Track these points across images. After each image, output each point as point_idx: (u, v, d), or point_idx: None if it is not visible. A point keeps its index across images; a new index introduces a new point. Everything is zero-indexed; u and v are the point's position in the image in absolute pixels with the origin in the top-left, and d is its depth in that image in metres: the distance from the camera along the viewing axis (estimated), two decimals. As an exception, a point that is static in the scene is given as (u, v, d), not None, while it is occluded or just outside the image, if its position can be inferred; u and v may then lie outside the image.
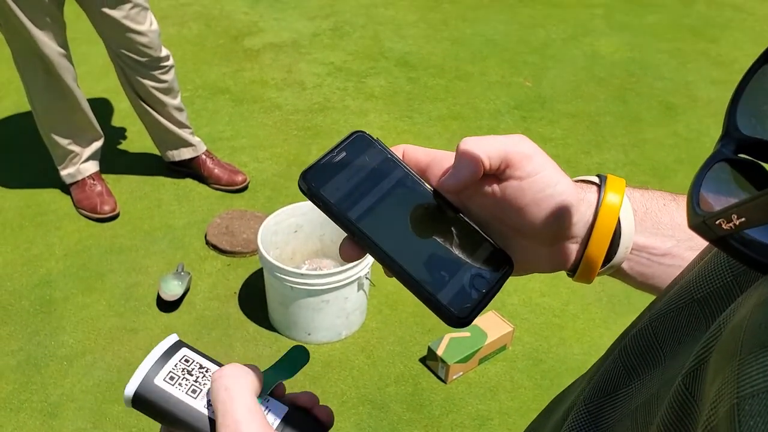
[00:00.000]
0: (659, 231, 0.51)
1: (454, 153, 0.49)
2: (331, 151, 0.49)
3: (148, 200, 2.81)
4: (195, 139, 2.85)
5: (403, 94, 3.53)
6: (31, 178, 2.90)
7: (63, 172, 2.75)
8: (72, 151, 2.70)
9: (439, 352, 2.07)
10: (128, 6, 2.41)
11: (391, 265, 0.47)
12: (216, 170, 2.85)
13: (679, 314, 0.40)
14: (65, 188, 2.81)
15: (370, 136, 0.51)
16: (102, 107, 3.35)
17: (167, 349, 0.50)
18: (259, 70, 3.74)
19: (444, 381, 2.09)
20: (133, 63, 2.55)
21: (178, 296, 2.31)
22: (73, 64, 2.54)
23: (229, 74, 3.70)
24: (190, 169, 2.90)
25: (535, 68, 3.73)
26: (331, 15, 4.38)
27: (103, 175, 2.84)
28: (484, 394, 2.08)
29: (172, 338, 0.51)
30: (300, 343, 0.54)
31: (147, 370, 0.48)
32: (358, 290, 2.13)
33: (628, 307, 2.35)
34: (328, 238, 2.38)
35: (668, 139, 3.21)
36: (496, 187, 0.48)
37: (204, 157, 2.87)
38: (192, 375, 0.49)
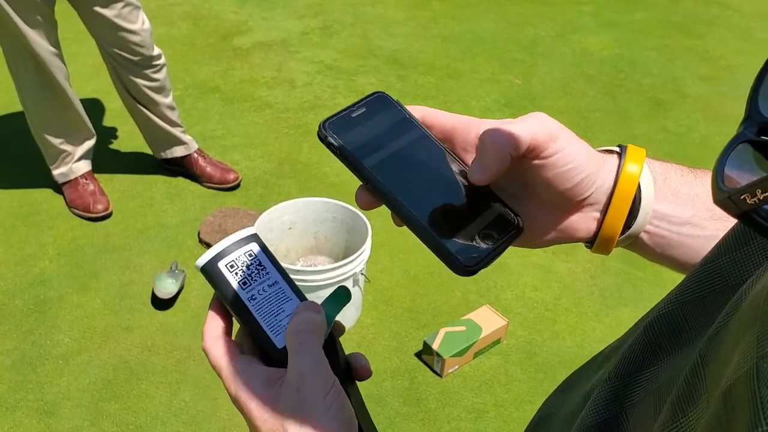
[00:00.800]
0: (678, 200, 0.51)
1: (476, 124, 0.50)
2: (351, 106, 0.51)
3: (140, 199, 2.81)
4: (187, 137, 2.85)
5: (394, 91, 3.54)
6: (23, 178, 2.89)
7: (55, 172, 2.75)
8: (64, 151, 2.70)
9: (435, 346, 2.08)
10: (120, 5, 2.41)
11: (402, 212, 0.48)
12: (208, 168, 2.85)
13: (715, 298, 0.41)
14: (57, 188, 2.80)
15: (390, 97, 0.53)
16: (93, 107, 3.34)
17: (241, 239, 0.56)
18: (249, 69, 3.75)
19: (440, 375, 2.11)
20: (126, 62, 2.55)
21: (173, 294, 2.31)
22: (65, 63, 2.54)
23: (219, 73, 3.70)
24: (182, 168, 2.90)
25: (524, 65, 3.75)
26: (320, 14, 4.39)
27: (96, 175, 2.84)
28: (480, 387, 2.10)
29: (250, 230, 0.57)
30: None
31: (217, 252, 0.55)
32: (354, 286, 2.14)
33: (619, 300, 2.37)
34: (323, 236, 2.39)
35: (657, 134, 3.25)
36: (519, 164, 0.48)
37: (196, 155, 2.87)
38: (249, 269, 0.55)
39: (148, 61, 2.58)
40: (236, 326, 0.55)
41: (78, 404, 2.02)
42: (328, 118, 0.50)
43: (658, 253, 0.53)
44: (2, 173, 2.92)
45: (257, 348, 0.53)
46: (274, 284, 0.55)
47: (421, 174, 0.50)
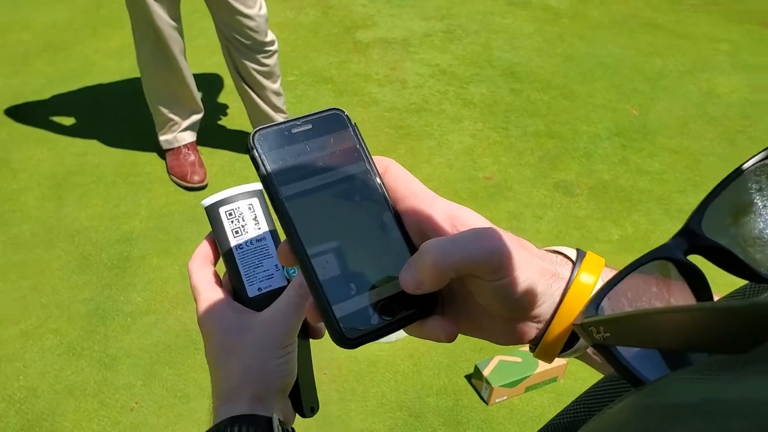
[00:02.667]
0: None
1: (427, 210, 0.45)
2: (296, 119, 0.45)
3: (236, 177, 2.91)
4: (288, 125, 2.92)
5: (503, 104, 3.48)
6: (132, 139, 3.06)
7: (161, 138, 2.89)
8: (171, 119, 2.83)
9: (486, 372, 2.03)
10: (240, -12, 2.50)
11: (300, 256, 0.42)
12: (304, 157, 2.91)
13: None
14: (162, 153, 2.95)
15: (347, 117, 0.47)
16: (210, 81, 3.49)
17: (247, 191, 0.60)
18: (365, 63, 3.79)
19: (486, 402, 2.06)
20: (239, 44, 2.63)
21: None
22: (183, 38, 2.66)
23: (335, 64, 3.76)
24: (279, 152, 2.97)
25: (644, 97, 3.58)
26: (447, 17, 4.37)
27: (199, 147, 2.96)
28: (526, 422, 2.03)
29: (256, 185, 0.59)
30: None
31: (222, 198, 0.59)
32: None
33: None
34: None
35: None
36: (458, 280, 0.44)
37: (294, 142, 2.93)
38: (244, 221, 0.59)
39: (261, 46, 2.66)
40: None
41: (136, 363, 2.12)
42: (262, 128, 0.44)
43: (605, 370, 0.48)
44: (114, 132, 3.10)
45: (233, 290, 0.60)
46: (261, 240, 0.60)
47: (342, 219, 0.44)
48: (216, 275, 0.61)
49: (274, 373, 0.56)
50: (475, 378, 2.09)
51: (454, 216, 0.45)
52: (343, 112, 0.47)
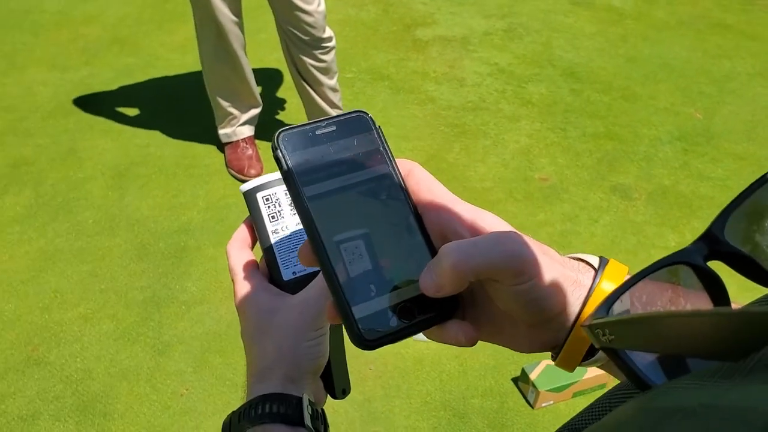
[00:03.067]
0: None
1: (449, 213, 0.45)
2: (320, 121, 0.46)
3: (291, 170, 2.94)
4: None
5: (562, 105, 3.43)
6: (193, 132, 3.13)
7: (220, 131, 2.95)
8: (231, 113, 2.88)
9: (533, 376, 2.01)
10: (299, -16, 2.53)
11: (320, 256, 0.43)
12: (358, 153, 2.92)
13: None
14: (220, 146, 3.01)
15: (372, 120, 0.47)
16: (270, 76, 3.54)
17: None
18: (423, 61, 3.78)
19: (532, 406, 2.04)
20: (297, 40, 2.66)
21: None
22: (243, 33, 2.70)
23: (393, 62, 3.77)
24: (334, 148, 3.00)
25: (710, 101, 3.48)
26: (508, 15, 4.32)
27: (257, 141, 3.01)
28: (572, 428, 2.00)
29: None
30: None
31: (260, 183, 0.62)
32: (464, 296, 2.12)
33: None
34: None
35: None
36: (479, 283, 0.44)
37: (349, 138, 2.95)
38: (281, 206, 0.61)
39: (318, 42, 2.69)
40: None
41: (187, 350, 2.17)
42: (286, 129, 0.45)
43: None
44: (176, 124, 3.18)
45: (268, 272, 0.62)
46: (298, 224, 0.62)
47: (363, 220, 0.44)
48: (253, 258, 0.63)
49: (305, 355, 0.58)
50: (521, 381, 2.07)
51: (476, 219, 0.45)
52: (367, 114, 0.47)
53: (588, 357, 0.44)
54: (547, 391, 1.99)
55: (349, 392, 0.67)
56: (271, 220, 0.61)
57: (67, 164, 2.94)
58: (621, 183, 2.91)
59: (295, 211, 0.46)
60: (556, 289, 0.42)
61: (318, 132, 0.45)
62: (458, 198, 0.46)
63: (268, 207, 0.62)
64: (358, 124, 0.46)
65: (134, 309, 2.30)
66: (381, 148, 0.46)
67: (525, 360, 2.12)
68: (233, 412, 0.58)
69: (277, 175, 0.60)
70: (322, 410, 0.60)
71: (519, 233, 0.43)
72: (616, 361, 0.33)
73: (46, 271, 2.44)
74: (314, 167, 0.44)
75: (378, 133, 0.47)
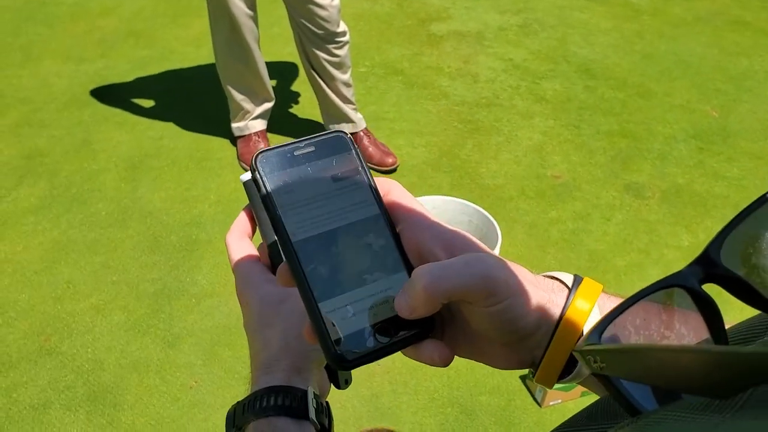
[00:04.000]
0: None
1: (423, 231, 0.45)
2: (299, 141, 0.46)
3: (303, 165, 2.95)
4: (357, 116, 2.94)
5: (576, 101, 3.41)
6: (206, 125, 3.14)
7: (233, 125, 2.96)
8: (244, 107, 2.89)
9: (541, 374, 2.01)
10: (313, -21, 2.52)
11: (298, 277, 0.43)
12: (370, 149, 2.92)
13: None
14: (233, 140, 3.02)
15: (351, 140, 0.47)
16: (283, 69, 3.54)
17: None
18: (438, 56, 3.77)
19: (539, 404, 2.03)
20: (311, 34, 2.66)
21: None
22: (257, 27, 2.71)
23: (407, 56, 3.76)
24: (347, 143, 3.00)
25: (726, 98, 3.45)
26: (523, 11, 4.30)
27: (269, 134, 3.02)
28: (579, 427, 1.99)
29: None
30: None
31: None
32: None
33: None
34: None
35: None
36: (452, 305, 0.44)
37: (362, 134, 2.95)
38: None
39: (332, 37, 2.68)
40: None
41: (197, 342, 2.18)
42: (264, 150, 0.45)
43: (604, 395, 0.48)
44: (189, 117, 3.19)
45: (270, 263, 0.61)
46: None
47: (341, 241, 0.44)
48: (253, 248, 0.62)
49: (312, 345, 0.57)
50: (529, 379, 2.07)
51: (451, 241, 0.45)
52: (346, 134, 0.47)
53: (565, 374, 0.45)
54: (555, 389, 1.99)
55: (351, 383, 0.67)
56: None
57: (82, 156, 2.97)
58: (634, 181, 2.89)
59: (267, 213, 0.46)
60: (529, 310, 0.43)
61: (296, 153, 0.45)
62: (437, 219, 0.47)
63: None
64: (336, 144, 0.47)
65: (145, 301, 2.32)
66: (359, 168, 0.47)
67: (534, 358, 2.11)
68: (238, 402, 0.58)
69: None
70: (327, 403, 0.60)
71: (492, 255, 0.43)
72: (608, 387, 0.33)
73: (59, 262, 2.46)
74: (292, 189, 0.44)
75: (357, 153, 0.47)
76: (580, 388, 2.02)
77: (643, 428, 0.29)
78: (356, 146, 0.48)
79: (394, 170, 2.89)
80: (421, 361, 0.45)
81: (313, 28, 2.64)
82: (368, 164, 2.73)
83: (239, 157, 2.94)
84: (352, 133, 2.94)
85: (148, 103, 3.32)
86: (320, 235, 0.44)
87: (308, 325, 0.44)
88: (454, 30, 4.06)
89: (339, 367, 0.42)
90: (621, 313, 0.36)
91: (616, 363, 0.31)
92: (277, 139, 3.04)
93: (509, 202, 2.75)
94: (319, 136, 0.47)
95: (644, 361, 0.29)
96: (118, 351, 2.17)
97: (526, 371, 2.06)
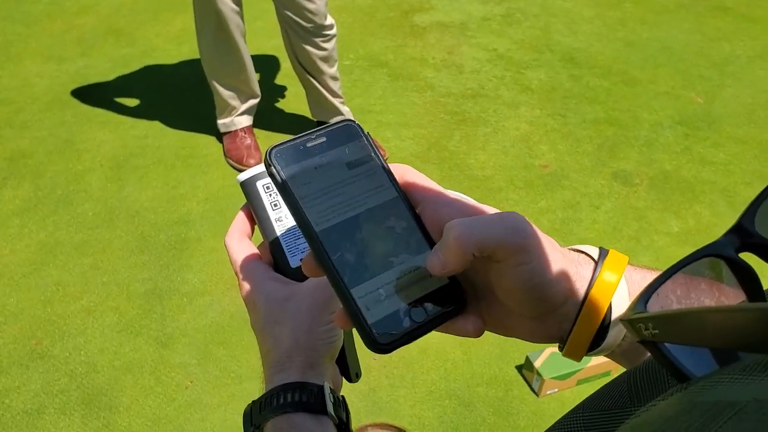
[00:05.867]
0: None
1: (445, 205, 0.46)
2: (310, 133, 0.46)
3: (291, 160, 2.93)
4: (344, 109, 2.93)
5: (561, 90, 3.41)
6: (191, 122, 3.11)
7: (219, 121, 2.93)
8: (230, 103, 2.86)
9: (537, 364, 2.01)
10: (299, -28, 2.50)
11: (326, 266, 0.44)
12: (358, 142, 2.91)
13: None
14: (219, 136, 2.99)
15: (360, 128, 0.48)
16: (268, 64, 3.52)
17: None
18: (422, 47, 3.76)
19: (537, 394, 2.04)
20: (298, 27, 2.64)
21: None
22: (244, 22, 2.68)
23: (391, 48, 3.75)
24: (334, 136, 2.98)
25: (710, 84, 3.47)
26: (506, 0, 4.30)
27: (255, 129, 2.99)
28: (577, 415, 2.00)
29: None
30: None
31: (257, 172, 0.60)
32: (467, 285, 2.11)
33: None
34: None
35: None
36: (482, 263, 0.44)
37: (349, 127, 2.93)
38: None
39: (320, 30, 2.67)
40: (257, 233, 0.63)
41: (191, 342, 2.16)
42: (277, 145, 0.45)
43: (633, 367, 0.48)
44: (174, 115, 3.16)
45: (274, 261, 0.61)
46: None
47: (364, 227, 0.45)
48: (255, 249, 0.62)
49: (322, 339, 0.57)
50: (525, 369, 2.08)
51: (471, 214, 0.45)
52: (355, 122, 0.48)
53: (593, 347, 0.46)
54: (552, 378, 2.00)
55: (361, 375, 0.68)
56: (274, 209, 0.61)
57: (66, 156, 2.93)
58: (622, 169, 2.90)
59: (287, 206, 0.46)
60: (556, 277, 0.43)
61: (309, 144, 0.46)
62: (456, 193, 0.48)
63: (270, 195, 0.61)
64: (347, 132, 0.47)
65: (136, 301, 2.29)
66: (372, 155, 0.47)
67: (529, 348, 2.12)
68: (254, 401, 0.58)
69: None
70: (343, 397, 0.60)
71: (523, 216, 0.44)
72: (656, 354, 0.33)
73: (47, 264, 2.43)
74: (310, 180, 0.45)
75: (368, 140, 0.47)
76: (576, 377, 2.03)
77: (699, 392, 0.29)
78: (367, 133, 0.48)
79: (383, 163, 2.87)
80: (453, 333, 0.46)
81: (300, 21, 2.62)
82: None
83: (225, 154, 2.92)
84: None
85: (131, 102, 3.28)
86: (343, 223, 0.44)
87: (339, 311, 0.45)
88: (437, 21, 4.04)
89: (379, 351, 0.43)
90: (663, 283, 0.36)
91: (671, 328, 0.31)
92: (263, 135, 3.02)
93: (498, 192, 2.75)
94: (329, 126, 0.47)
95: (700, 324, 0.29)
96: (111, 353, 2.14)
97: (522, 360, 2.07)
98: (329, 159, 0.46)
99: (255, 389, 2.02)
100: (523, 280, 0.43)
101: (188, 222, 2.60)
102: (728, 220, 2.62)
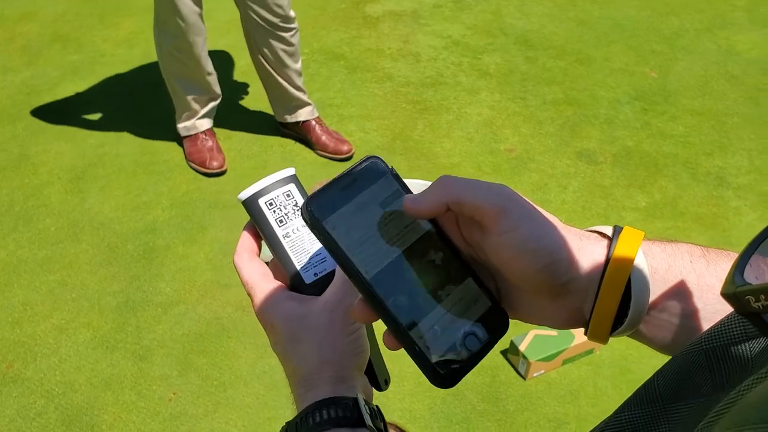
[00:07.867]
0: (683, 291, 0.46)
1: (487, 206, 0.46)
2: (340, 177, 0.47)
3: (255, 160, 2.89)
4: (310, 101, 2.91)
5: (519, 74, 3.43)
6: (149, 128, 3.03)
7: (179, 125, 2.87)
8: (191, 107, 2.80)
9: (522, 347, 2.02)
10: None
11: (381, 310, 0.45)
12: (324, 137, 2.88)
13: (685, 360, 0.42)
14: (179, 140, 2.92)
15: (384, 162, 0.49)
16: (223, 63, 3.44)
17: (282, 179, 0.59)
18: (377, 38, 3.74)
19: (523, 377, 2.05)
20: (264, 22, 2.62)
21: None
22: (204, 25, 2.63)
23: (346, 40, 3.71)
24: (298, 134, 2.95)
25: (662, 58, 3.52)
26: (456, -14, 4.29)
27: (216, 130, 2.94)
28: (564, 396, 2.02)
29: (290, 171, 0.60)
30: None
31: (259, 189, 0.59)
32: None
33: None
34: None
35: (802, 147, 2.98)
36: (480, 239, 0.46)
37: (314, 123, 2.91)
38: (285, 209, 0.59)
39: (285, 23, 2.65)
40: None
41: (170, 353, 2.12)
42: (312, 197, 0.46)
43: (661, 347, 0.48)
44: (130, 121, 3.07)
45: (288, 279, 0.59)
46: (305, 225, 0.61)
47: (407, 264, 0.46)
48: (265, 267, 0.60)
49: (348, 352, 0.57)
50: (511, 353, 2.09)
51: (467, 180, 0.47)
52: (379, 158, 0.49)
53: (616, 327, 0.46)
54: (538, 360, 2.01)
55: (390, 381, 0.67)
56: (280, 225, 0.59)
57: (21, 171, 2.83)
58: (585, 148, 2.94)
59: (333, 257, 0.47)
60: (557, 244, 0.44)
61: (341, 190, 0.47)
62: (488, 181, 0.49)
63: (274, 212, 0.59)
64: (374, 170, 0.48)
65: (109, 315, 2.23)
66: (400, 189, 0.48)
67: (513, 332, 2.12)
68: (288, 423, 0.56)
69: (273, 178, 0.60)
70: (377, 407, 0.59)
71: (510, 188, 0.46)
72: (762, 327, 0.32)
73: (11, 284, 2.35)
74: (350, 228, 0.46)
75: (393, 174, 0.49)
76: (561, 357, 2.05)
77: None
78: (391, 167, 0.49)
79: (350, 158, 2.86)
80: None
81: (266, 14, 2.60)
82: (324, 153, 2.68)
83: (187, 158, 2.86)
84: (303, 122, 2.89)
85: (84, 110, 3.18)
86: (389, 266, 0.46)
87: (357, 303, 0.46)
88: (389, 10, 4.02)
89: (445, 387, 0.44)
90: (753, 252, 0.35)
91: None
92: (225, 135, 2.96)
93: (467, 179, 2.75)
94: (355, 166, 0.48)
95: None
96: (88, 370, 2.09)
97: (507, 345, 2.08)
98: (363, 201, 0.47)
99: (240, 396, 2.00)
100: (516, 246, 0.44)
101: (155, 230, 2.54)
102: (692, 191, 2.67)
